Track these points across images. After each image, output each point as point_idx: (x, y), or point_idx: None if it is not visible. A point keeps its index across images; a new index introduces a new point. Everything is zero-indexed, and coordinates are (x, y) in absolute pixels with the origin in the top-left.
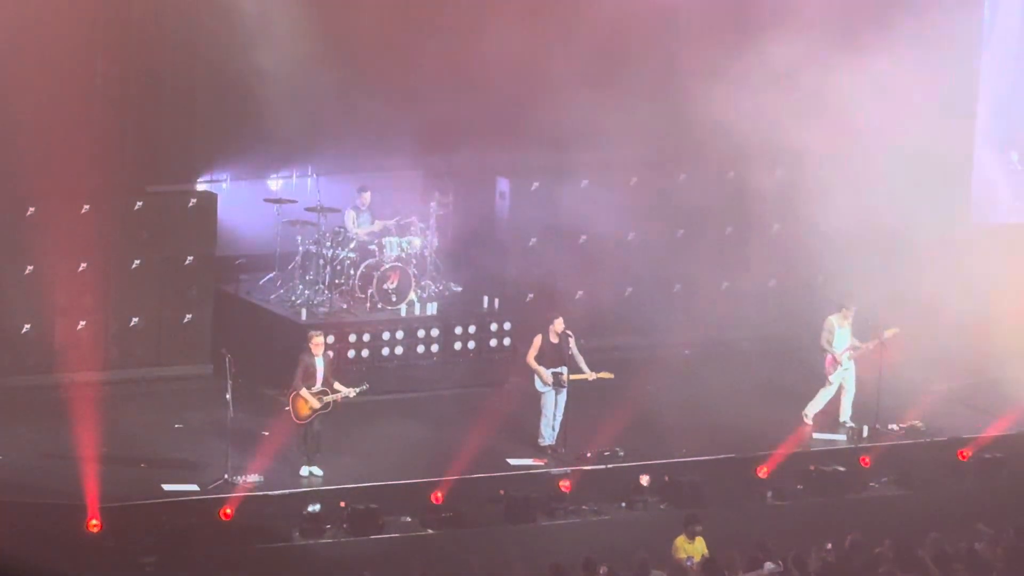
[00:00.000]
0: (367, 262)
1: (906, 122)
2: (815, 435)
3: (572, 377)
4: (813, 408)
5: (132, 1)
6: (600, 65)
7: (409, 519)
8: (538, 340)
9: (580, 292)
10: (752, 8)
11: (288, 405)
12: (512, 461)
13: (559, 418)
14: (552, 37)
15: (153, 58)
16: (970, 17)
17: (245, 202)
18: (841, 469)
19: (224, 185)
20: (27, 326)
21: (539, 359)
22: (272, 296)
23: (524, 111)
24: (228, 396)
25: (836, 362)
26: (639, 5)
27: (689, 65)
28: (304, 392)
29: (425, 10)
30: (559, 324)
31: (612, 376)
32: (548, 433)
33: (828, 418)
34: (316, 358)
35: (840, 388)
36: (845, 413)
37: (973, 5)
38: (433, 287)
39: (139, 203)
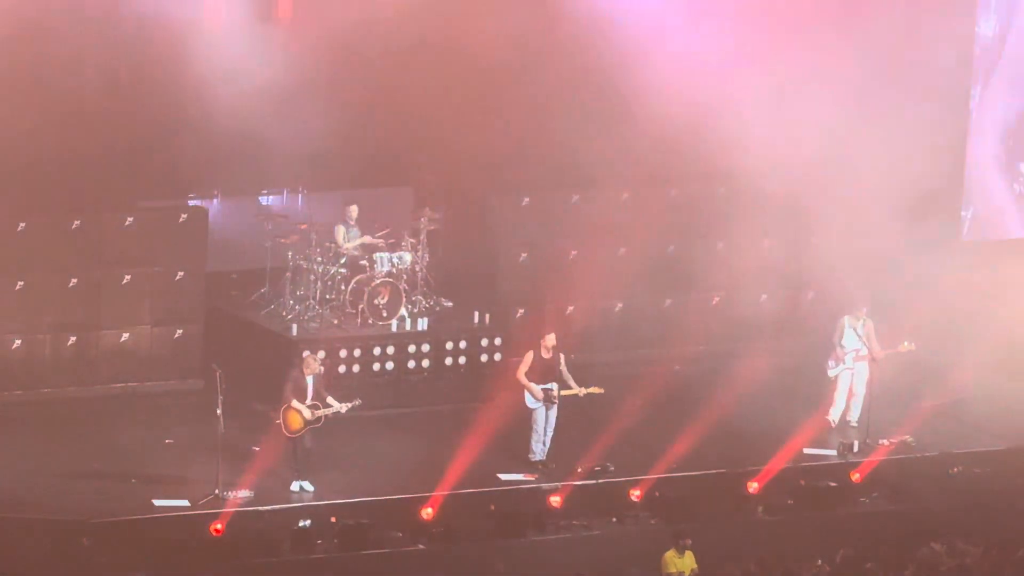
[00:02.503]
0: (358, 277)
1: (899, 137)
2: (806, 450)
3: (563, 393)
4: (835, 412)
5: (122, 20)
6: (591, 79)
7: (400, 534)
8: (529, 356)
9: (570, 307)
10: (743, 27)
11: (279, 419)
12: (503, 476)
13: (550, 434)
14: (544, 52)
15: (143, 74)
16: (963, 35)
17: (236, 218)
18: (832, 484)
19: (215, 201)
20: (18, 341)
21: (530, 375)
22: (263, 311)
23: (515, 126)
24: (219, 411)
25: (839, 359)
26: (625, 22)
27: (678, 82)
28: (296, 404)
29: (414, 27)
30: (550, 339)
31: (602, 391)
32: (539, 448)
33: (820, 431)
34: (307, 377)
35: (849, 390)
36: (854, 414)
37: (966, 24)
38: (424, 302)
39: (130, 218)
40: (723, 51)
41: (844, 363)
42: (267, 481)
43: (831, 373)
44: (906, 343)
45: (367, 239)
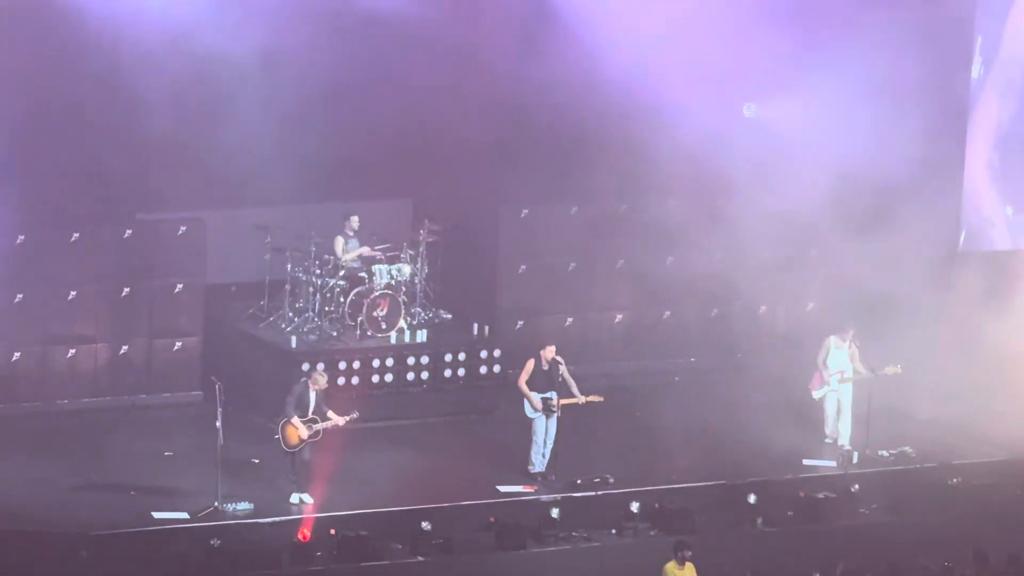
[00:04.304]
0: (357, 290)
1: (896, 153)
2: (805, 461)
3: (563, 402)
4: (829, 428)
5: (121, 33)
6: (586, 91)
7: (399, 546)
8: (531, 364)
9: (569, 319)
10: (742, 44)
11: (278, 433)
12: (502, 488)
13: (550, 445)
14: (541, 67)
15: (142, 86)
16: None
17: (235, 230)
18: (831, 495)
19: (214, 212)
20: (17, 354)
21: (530, 384)
22: (262, 324)
23: (514, 138)
24: (218, 423)
25: (823, 380)
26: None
27: (676, 94)
28: (295, 420)
29: (416, 39)
30: (550, 351)
31: (603, 399)
32: (538, 460)
33: (819, 443)
34: (311, 392)
35: (837, 410)
36: (843, 436)
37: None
38: (423, 314)
39: (128, 231)
40: (722, 65)
41: (829, 384)
42: (266, 493)
43: (816, 395)
44: (891, 366)
45: (365, 250)
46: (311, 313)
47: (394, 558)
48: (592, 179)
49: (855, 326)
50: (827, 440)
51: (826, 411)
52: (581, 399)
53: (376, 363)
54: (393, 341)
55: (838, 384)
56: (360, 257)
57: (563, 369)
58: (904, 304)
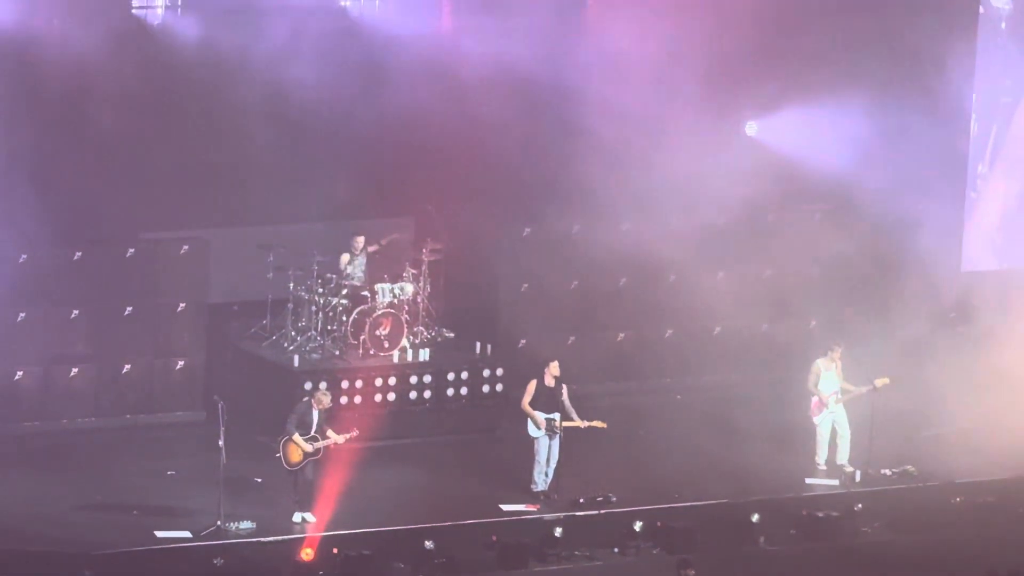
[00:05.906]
0: (360, 308)
1: (900, 176)
2: (808, 480)
3: (565, 424)
4: (821, 455)
5: (124, 52)
6: (588, 109)
7: (402, 565)
8: (532, 386)
9: (572, 337)
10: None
11: (279, 451)
12: (505, 507)
13: (552, 464)
14: (543, 84)
15: (145, 104)
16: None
17: (238, 249)
18: (834, 514)
19: (217, 231)
20: (19, 373)
21: (533, 403)
22: (265, 343)
23: (516, 157)
24: (221, 443)
25: (821, 404)
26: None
27: (677, 112)
28: (296, 438)
29: (419, 59)
30: (555, 367)
31: (605, 426)
32: (541, 479)
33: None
34: (314, 411)
35: (834, 431)
36: (842, 456)
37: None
38: (425, 333)
39: (131, 250)
40: (725, 85)
41: (828, 407)
42: (269, 512)
43: (817, 421)
44: (879, 379)
45: (396, 236)
46: (314, 332)
47: None
48: (594, 198)
49: (841, 345)
50: (820, 468)
51: (821, 435)
52: (583, 423)
53: (379, 382)
54: (396, 360)
55: (835, 406)
56: (384, 245)
57: (565, 395)
58: (905, 321)
